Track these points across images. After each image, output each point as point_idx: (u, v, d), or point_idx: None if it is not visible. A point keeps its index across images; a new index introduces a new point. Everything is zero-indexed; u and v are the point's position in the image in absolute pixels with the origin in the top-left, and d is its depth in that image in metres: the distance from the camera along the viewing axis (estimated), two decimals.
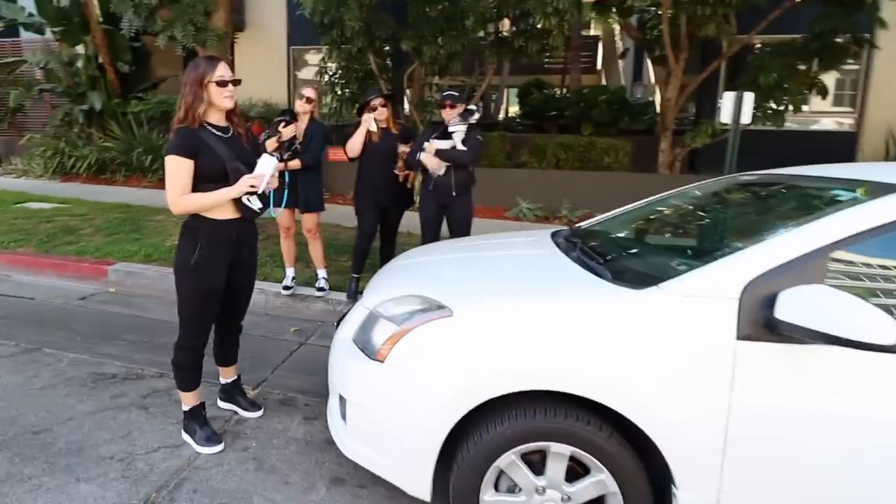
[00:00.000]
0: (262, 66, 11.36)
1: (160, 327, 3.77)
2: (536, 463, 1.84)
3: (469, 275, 2.29)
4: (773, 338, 1.61)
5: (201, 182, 2.27)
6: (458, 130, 3.78)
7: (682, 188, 2.97)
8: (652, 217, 2.83)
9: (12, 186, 8.15)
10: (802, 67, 7.00)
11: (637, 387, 1.70)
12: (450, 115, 3.80)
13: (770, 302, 1.60)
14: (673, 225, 2.77)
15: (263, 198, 2.43)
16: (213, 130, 2.33)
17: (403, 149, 4.08)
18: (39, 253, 5.06)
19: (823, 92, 6.89)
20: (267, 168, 2.29)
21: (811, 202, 2.09)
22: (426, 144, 3.81)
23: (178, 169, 2.23)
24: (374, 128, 3.93)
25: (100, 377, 3.14)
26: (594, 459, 1.77)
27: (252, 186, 2.27)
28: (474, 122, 3.87)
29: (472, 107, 3.95)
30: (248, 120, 9.91)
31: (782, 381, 1.63)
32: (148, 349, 3.51)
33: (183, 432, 2.57)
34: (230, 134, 2.39)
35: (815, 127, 9.35)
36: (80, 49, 9.69)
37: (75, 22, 9.06)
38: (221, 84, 2.27)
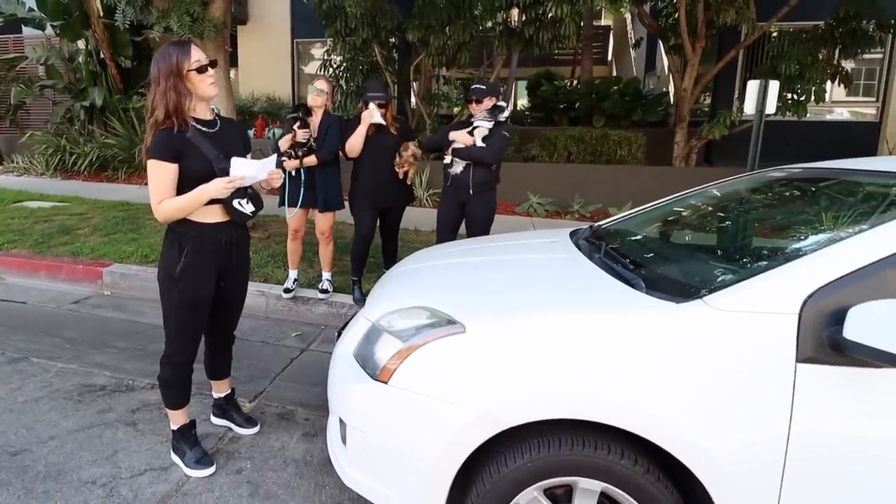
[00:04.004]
0: (265, 60, 11.17)
1: (154, 333, 3.59)
2: (562, 499, 1.62)
3: (482, 283, 2.06)
4: (840, 361, 1.39)
5: (188, 185, 2.04)
6: (482, 126, 3.59)
7: (712, 183, 2.71)
8: (681, 215, 2.58)
9: (13, 185, 7.98)
10: (824, 55, 6.70)
11: (678, 416, 1.47)
12: (477, 111, 3.64)
13: (837, 319, 1.38)
14: (706, 225, 2.52)
15: (257, 200, 2.21)
16: (199, 126, 2.09)
17: (408, 148, 3.89)
18: (34, 254, 4.89)
19: (847, 80, 6.57)
20: (239, 171, 2.04)
21: (877, 201, 1.83)
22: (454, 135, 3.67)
23: (161, 174, 2.00)
24: (377, 120, 3.70)
25: (87, 389, 2.96)
26: (629, 497, 1.54)
27: (231, 184, 2.03)
28: (503, 119, 3.66)
29: (502, 103, 3.72)
30: (252, 116, 9.73)
31: (851, 411, 1.41)
32: (140, 357, 3.33)
33: (172, 453, 2.40)
34: (217, 128, 2.15)
35: (833, 117, 9.02)
36: (80, 44, 9.50)
37: (76, 16, 8.83)
38: (201, 70, 2.02)
